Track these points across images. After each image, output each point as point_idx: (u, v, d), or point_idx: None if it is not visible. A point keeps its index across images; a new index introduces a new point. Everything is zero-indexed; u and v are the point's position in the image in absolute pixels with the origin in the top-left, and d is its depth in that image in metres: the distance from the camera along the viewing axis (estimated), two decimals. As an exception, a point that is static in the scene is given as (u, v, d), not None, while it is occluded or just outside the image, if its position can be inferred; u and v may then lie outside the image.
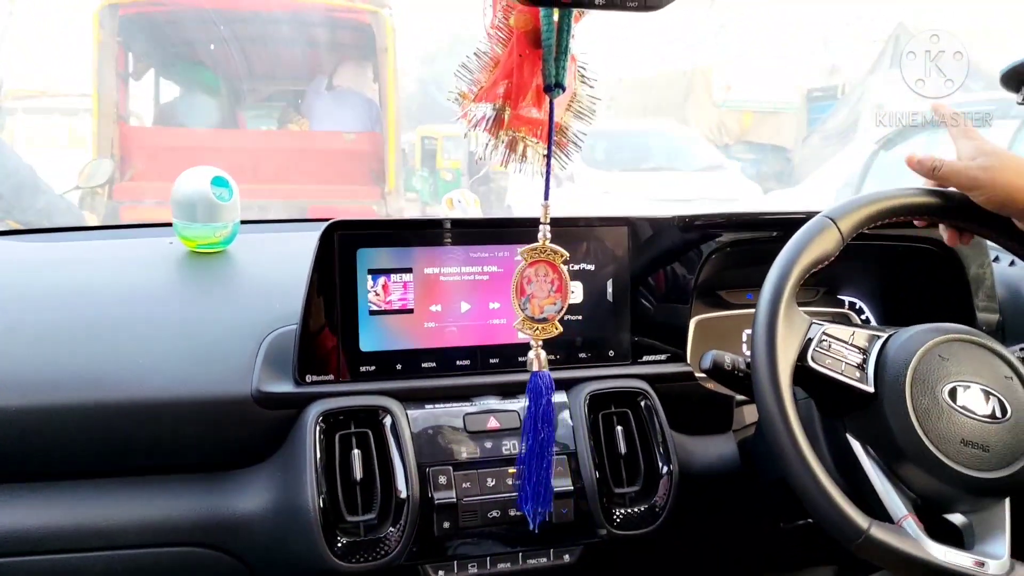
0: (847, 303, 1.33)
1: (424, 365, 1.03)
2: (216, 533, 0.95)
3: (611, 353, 1.10)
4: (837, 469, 0.90)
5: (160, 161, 4.32)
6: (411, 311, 1.03)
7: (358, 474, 0.93)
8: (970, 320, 1.18)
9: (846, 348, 0.87)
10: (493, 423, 1.01)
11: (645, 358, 1.11)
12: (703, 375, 1.01)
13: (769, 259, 0.87)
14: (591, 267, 1.09)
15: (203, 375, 0.97)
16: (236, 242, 1.19)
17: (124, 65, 4.61)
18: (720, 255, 1.14)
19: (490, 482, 0.97)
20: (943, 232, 0.97)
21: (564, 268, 0.84)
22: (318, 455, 0.93)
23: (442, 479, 0.96)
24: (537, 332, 0.84)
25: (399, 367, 1.02)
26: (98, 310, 1.03)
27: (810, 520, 0.99)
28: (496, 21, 0.81)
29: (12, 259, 1.18)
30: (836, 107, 7.93)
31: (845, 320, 1.31)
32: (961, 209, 0.91)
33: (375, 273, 1.01)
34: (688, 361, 1.14)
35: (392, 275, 1.02)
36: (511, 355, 1.06)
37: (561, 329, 0.85)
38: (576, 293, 1.08)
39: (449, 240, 1.05)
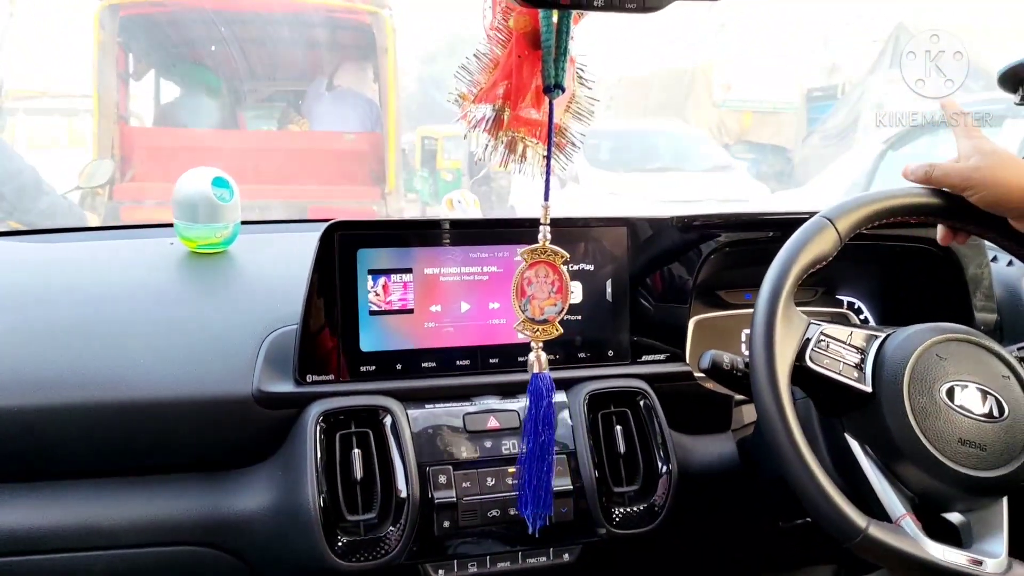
0: (846, 303, 1.33)
1: (424, 365, 1.04)
2: (217, 532, 0.95)
3: (610, 353, 1.10)
4: (835, 468, 0.90)
5: (160, 161, 4.31)
6: (411, 311, 1.03)
7: (358, 473, 0.94)
8: (968, 320, 1.18)
9: (844, 348, 0.87)
10: (493, 423, 1.01)
11: (644, 358, 1.12)
12: (702, 375, 1.01)
13: (768, 259, 0.88)
14: (590, 267, 1.09)
15: (204, 375, 0.98)
16: (237, 242, 1.20)
17: (124, 65, 4.61)
18: (719, 255, 1.14)
19: (490, 481, 0.97)
20: (938, 231, 0.98)
21: (564, 269, 0.85)
22: (318, 454, 0.93)
23: (442, 478, 0.96)
24: (537, 333, 0.84)
25: (399, 367, 1.03)
26: (100, 310, 1.03)
27: (809, 519, 0.99)
28: (495, 22, 0.82)
29: (13, 259, 1.18)
30: (836, 107, 7.92)
31: (844, 320, 1.31)
32: (957, 209, 0.91)
33: (375, 273, 1.02)
34: (687, 361, 1.14)
35: (392, 275, 1.02)
36: (511, 355, 1.06)
37: (561, 330, 0.85)
38: (575, 293, 1.08)
39: (449, 240, 1.05)
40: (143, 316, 1.03)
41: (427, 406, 1.01)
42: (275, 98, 5.41)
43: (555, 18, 0.77)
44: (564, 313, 0.85)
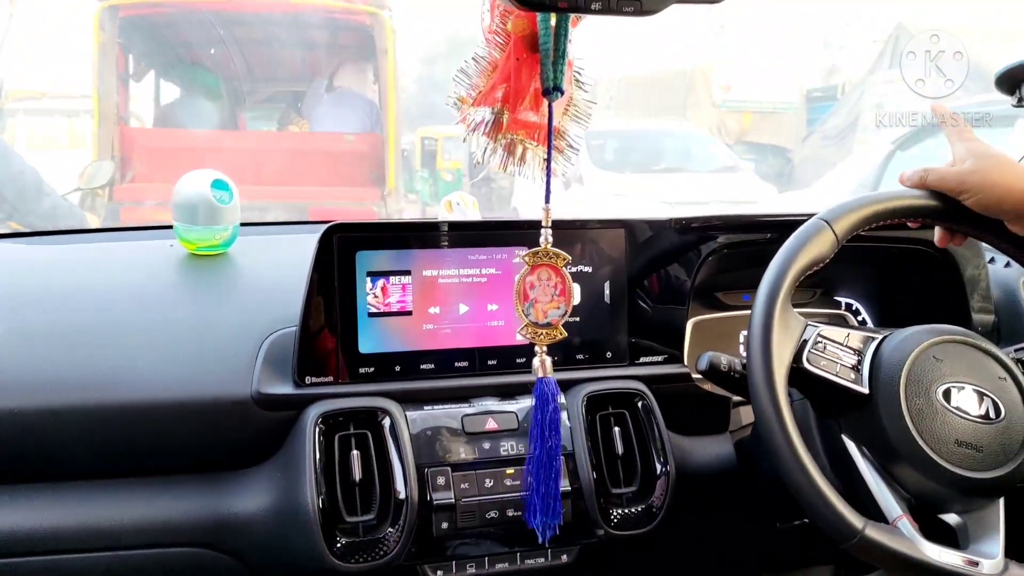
0: (844, 304, 1.33)
1: (423, 367, 1.04)
2: (216, 534, 0.95)
3: (608, 354, 1.11)
4: (832, 469, 0.91)
5: (160, 163, 4.32)
6: (410, 313, 1.04)
7: (357, 475, 0.94)
8: (966, 321, 1.19)
9: (841, 349, 0.88)
10: (491, 424, 1.01)
11: (642, 359, 1.12)
12: (700, 376, 1.01)
13: (765, 261, 0.88)
14: (588, 269, 1.10)
15: (203, 377, 0.98)
16: (236, 244, 1.20)
17: (124, 67, 4.61)
18: (717, 257, 1.14)
19: (488, 483, 0.97)
20: (935, 233, 0.98)
21: (567, 271, 0.85)
22: (317, 456, 0.94)
23: (440, 480, 0.96)
24: (542, 337, 0.85)
25: (398, 369, 1.03)
26: (99, 312, 1.03)
27: (807, 520, 1.00)
28: (493, 26, 0.82)
29: (13, 261, 1.18)
30: (836, 107, 7.93)
31: (842, 321, 1.31)
32: (954, 211, 0.91)
33: (374, 275, 1.02)
34: (685, 362, 1.14)
35: (391, 277, 1.03)
36: (509, 356, 1.07)
37: (565, 333, 0.85)
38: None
39: (447, 243, 1.05)
40: (143, 318, 1.03)
41: (426, 408, 1.01)
42: (275, 99, 5.42)
43: (553, 21, 0.77)
44: (568, 316, 0.85)
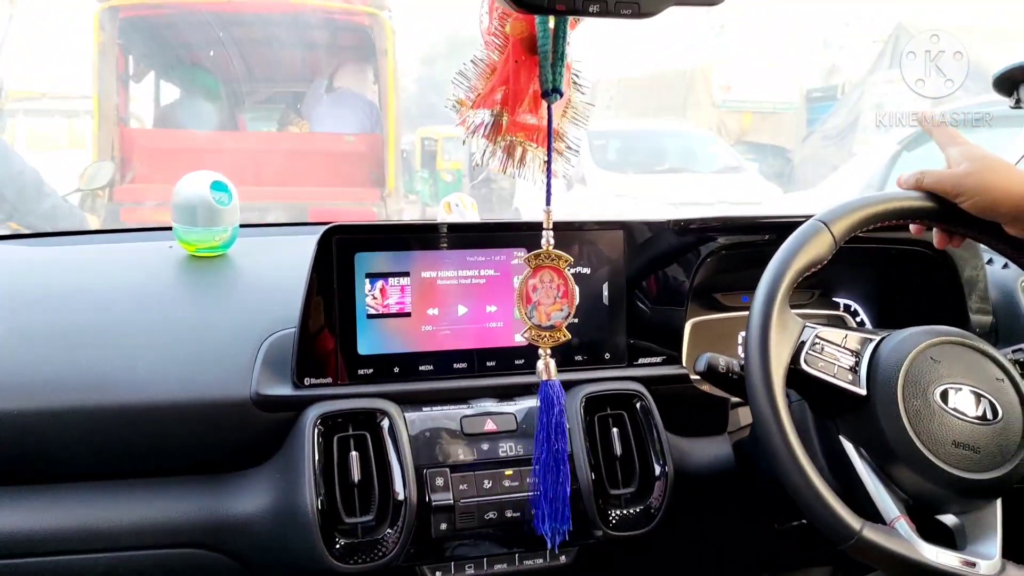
0: (842, 305, 1.33)
1: (421, 368, 1.04)
2: (216, 535, 0.96)
3: (607, 355, 1.11)
4: (830, 470, 0.91)
5: (160, 163, 4.32)
6: (408, 314, 1.04)
7: (356, 476, 0.94)
8: (964, 323, 1.19)
9: (839, 351, 0.88)
10: (490, 425, 1.01)
11: (641, 360, 1.12)
12: (698, 377, 1.01)
13: (764, 262, 0.88)
14: (587, 270, 1.10)
15: (203, 378, 0.98)
16: (235, 246, 1.20)
17: (124, 67, 4.62)
18: (715, 258, 1.14)
19: (487, 484, 0.98)
20: (933, 235, 0.98)
21: (569, 273, 0.85)
22: (316, 457, 0.94)
23: (439, 481, 0.96)
24: (545, 340, 0.84)
25: (396, 370, 1.03)
26: (98, 313, 1.04)
27: (805, 521, 1.00)
28: (492, 28, 0.82)
29: (13, 261, 1.18)
30: (836, 107, 7.93)
31: (840, 323, 1.31)
32: (951, 213, 0.91)
33: (373, 277, 1.02)
34: (683, 363, 1.14)
35: (390, 279, 1.03)
36: (508, 358, 1.07)
37: (569, 335, 0.85)
38: (573, 296, 1.09)
39: (446, 244, 1.06)
40: (142, 319, 1.03)
41: (424, 409, 1.01)
42: (275, 100, 5.42)
43: (551, 24, 0.78)
44: (571, 318, 0.85)
